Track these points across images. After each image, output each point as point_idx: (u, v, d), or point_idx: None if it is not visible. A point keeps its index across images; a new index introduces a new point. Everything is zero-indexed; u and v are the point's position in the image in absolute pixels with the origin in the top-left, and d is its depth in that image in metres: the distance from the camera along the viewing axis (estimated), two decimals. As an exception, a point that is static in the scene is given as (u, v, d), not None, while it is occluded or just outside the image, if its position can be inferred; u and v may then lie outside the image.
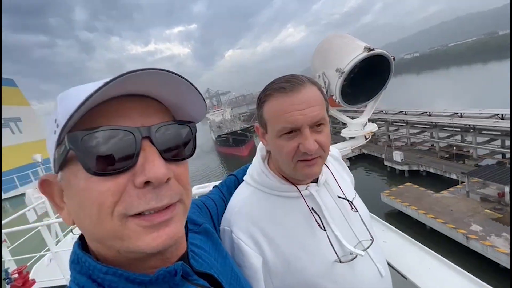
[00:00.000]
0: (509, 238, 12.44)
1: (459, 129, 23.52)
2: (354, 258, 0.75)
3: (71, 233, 3.61)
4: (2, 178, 12.11)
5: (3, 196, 11.74)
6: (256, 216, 0.78)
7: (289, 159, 0.72)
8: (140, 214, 0.38)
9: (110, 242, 0.39)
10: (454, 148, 23.48)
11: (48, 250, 3.02)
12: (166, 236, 0.39)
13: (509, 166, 18.30)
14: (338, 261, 0.73)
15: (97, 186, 0.36)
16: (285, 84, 0.70)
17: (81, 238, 0.44)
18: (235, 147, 41.59)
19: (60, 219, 3.31)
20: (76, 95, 0.35)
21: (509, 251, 11.86)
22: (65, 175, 0.39)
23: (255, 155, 0.93)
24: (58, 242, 3.87)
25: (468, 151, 23.01)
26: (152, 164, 0.38)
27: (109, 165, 0.36)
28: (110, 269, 0.39)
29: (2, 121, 15.12)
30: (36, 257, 3.33)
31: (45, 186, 0.42)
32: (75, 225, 0.41)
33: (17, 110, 16.70)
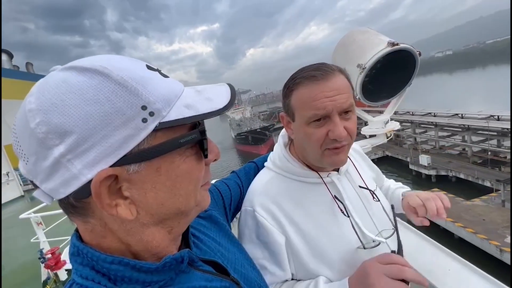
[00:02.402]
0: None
1: (495, 133, 21.71)
2: (377, 245, 0.75)
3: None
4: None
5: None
6: (278, 197, 0.80)
7: (317, 147, 0.74)
8: None
9: (188, 212, 0.45)
10: (489, 153, 21.71)
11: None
12: (209, 196, 0.51)
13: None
14: (362, 247, 0.74)
15: (199, 165, 0.44)
16: (316, 72, 0.72)
17: (77, 230, 0.43)
18: (254, 145, 41.73)
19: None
20: (161, 84, 0.39)
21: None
22: (151, 165, 0.38)
23: None
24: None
25: (505, 157, 21.18)
26: (215, 145, 0.48)
27: (206, 149, 0.44)
28: (116, 258, 0.39)
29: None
30: (67, 240, 3.59)
31: (97, 187, 0.35)
32: (135, 216, 0.39)
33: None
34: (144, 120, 0.36)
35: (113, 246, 0.41)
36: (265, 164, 0.92)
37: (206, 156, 0.45)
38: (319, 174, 0.81)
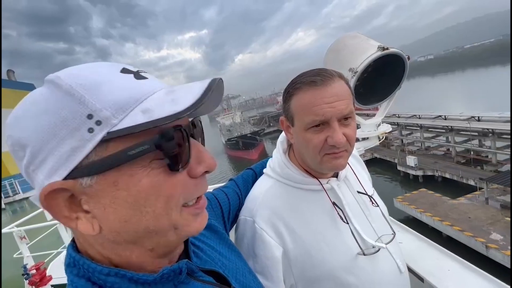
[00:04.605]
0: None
1: (476, 133, 22.62)
2: (377, 251, 0.75)
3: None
4: (22, 179, 12.66)
5: (23, 195, 12.26)
6: (278, 207, 0.79)
7: (316, 152, 0.73)
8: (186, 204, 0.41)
9: (163, 234, 0.39)
10: (472, 153, 22.57)
11: (65, 247, 3.11)
12: (206, 219, 0.45)
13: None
14: (361, 254, 0.74)
15: (170, 180, 0.38)
16: (315, 78, 0.71)
17: (74, 241, 0.42)
18: (245, 150, 41.64)
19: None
20: (120, 88, 0.35)
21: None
22: (106, 178, 0.35)
23: (265, 158, 0.94)
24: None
25: (487, 156, 22.07)
26: (207, 155, 0.42)
27: (180, 161, 0.38)
28: (112, 270, 0.38)
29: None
30: (53, 254, 3.43)
31: (50, 199, 0.34)
32: (99, 231, 0.37)
33: (37, 114, 17.43)
34: (90, 130, 0.33)
35: (97, 257, 0.40)
36: (264, 171, 0.91)
37: (176, 170, 0.38)
38: (319, 181, 0.80)
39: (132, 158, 0.35)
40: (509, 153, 20.30)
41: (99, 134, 0.33)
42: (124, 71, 0.38)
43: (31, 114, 0.34)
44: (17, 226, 3.20)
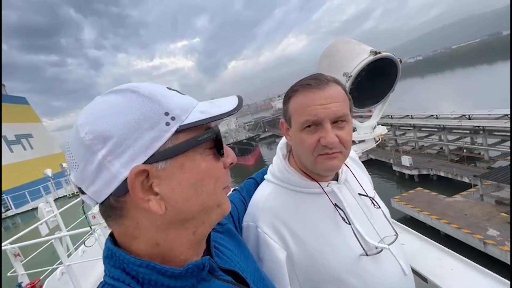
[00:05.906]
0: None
1: (468, 131, 23.02)
2: (380, 251, 0.76)
3: (83, 245, 3.62)
4: (14, 194, 12.37)
5: (15, 211, 11.95)
6: (280, 210, 0.80)
7: (309, 153, 0.75)
8: None
9: (210, 211, 0.48)
10: (464, 150, 22.92)
11: (61, 263, 3.03)
12: (230, 203, 0.53)
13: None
14: (364, 254, 0.74)
15: (217, 165, 0.48)
16: (311, 81, 0.75)
17: (112, 235, 0.47)
18: (240, 156, 41.53)
19: (71, 232, 3.34)
20: (179, 97, 0.47)
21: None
22: (176, 162, 0.43)
23: (261, 163, 0.94)
24: (69, 255, 3.89)
25: (479, 153, 22.43)
26: (231, 150, 0.52)
27: (222, 149, 0.49)
28: (144, 262, 0.43)
29: (15, 138, 15.59)
30: (48, 271, 3.34)
31: (130, 182, 0.42)
32: (164, 212, 0.43)
33: (29, 127, 17.19)
34: (167, 124, 0.42)
35: (141, 247, 0.44)
36: (265, 177, 0.93)
37: (222, 155, 0.49)
38: (319, 183, 0.81)
39: (200, 143, 0.45)
40: (501, 149, 20.68)
41: (174, 127, 0.43)
42: (169, 88, 0.48)
43: (115, 112, 0.41)
44: (11, 243, 3.12)
